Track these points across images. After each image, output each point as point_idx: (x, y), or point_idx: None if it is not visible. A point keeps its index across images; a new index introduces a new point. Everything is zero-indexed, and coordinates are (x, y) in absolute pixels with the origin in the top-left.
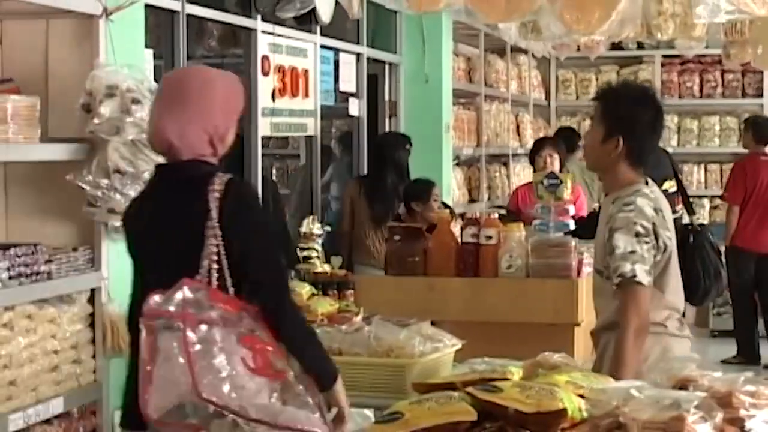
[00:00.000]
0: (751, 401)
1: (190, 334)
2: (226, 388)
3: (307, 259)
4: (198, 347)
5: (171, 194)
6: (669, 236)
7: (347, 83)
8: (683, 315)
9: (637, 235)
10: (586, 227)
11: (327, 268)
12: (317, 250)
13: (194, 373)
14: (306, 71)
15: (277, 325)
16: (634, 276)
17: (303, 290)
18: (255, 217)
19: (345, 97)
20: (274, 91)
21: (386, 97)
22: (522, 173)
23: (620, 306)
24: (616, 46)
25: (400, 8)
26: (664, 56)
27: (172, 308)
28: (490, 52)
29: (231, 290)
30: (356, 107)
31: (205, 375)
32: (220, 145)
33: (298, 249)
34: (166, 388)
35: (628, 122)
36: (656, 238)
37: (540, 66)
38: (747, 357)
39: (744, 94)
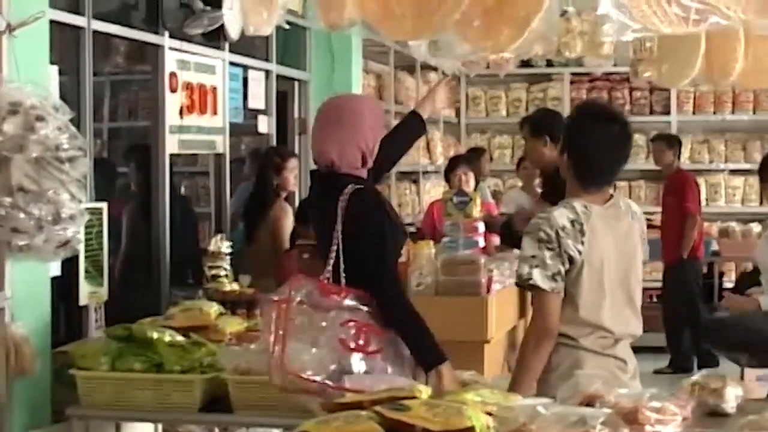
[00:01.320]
0: (656, 417)
1: (294, 318)
2: (314, 364)
3: (215, 277)
4: (295, 325)
5: (323, 202)
6: (581, 250)
7: (256, 100)
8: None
9: (539, 240)
10: None
11: (236, 286)
12: (226, 269)
13: (284, 349)
14: (214, 88)
15: (387, 312)
16: (530, 279)
17: (211, 309)
18: (368, 220)
19: (254, 114)
20: (182, 108)
21: (296, 115)
22: (432, 191)
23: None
24: (525, 63)
25: (312, 25)
26: (573, 74)
27: (276, 297)
28: (400, 69)
29: (343, 282)
30: (265, 124)
31: (298, 354)
32: (370, 158)
33: (206, 268)
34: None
35: (574, 138)
36: (559, 246)
37: (450, 83)
38: (679, 367)
39: (652, 112)
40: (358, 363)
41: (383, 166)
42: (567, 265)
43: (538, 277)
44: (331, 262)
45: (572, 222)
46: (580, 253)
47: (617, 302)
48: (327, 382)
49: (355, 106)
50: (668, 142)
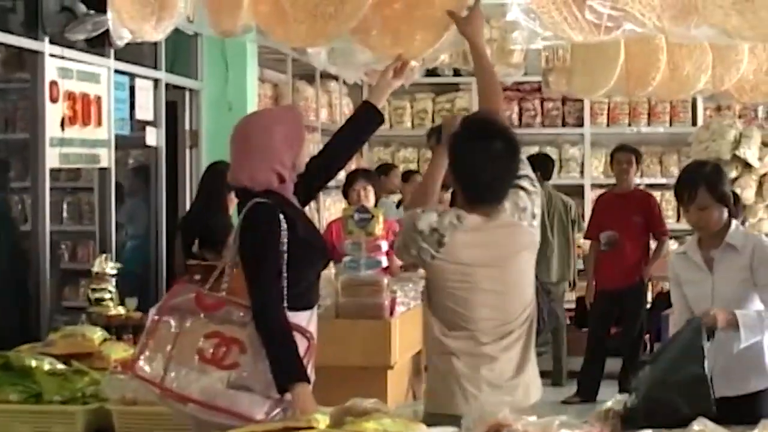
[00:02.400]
0: None
1: (159, 324)
2: (168, 371)
3: (99, 301)
4: (156, 336)
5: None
6: (426, 252)
7: (144, 111)
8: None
9: (400, 230)
10: None
11: (121, 310)
12: (111, 292)
13: (140, 353)
14: (99, 98)
15: (256, 325)
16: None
17: (94, 335)
18: (254, 231)
19: (141, 126)
20: (63, 119)
21: (186, 126)
22: (333, 207)
23: None
24: (431, 72)
25: (203, 31)
26: None
27: (154, 310)
28: (298, 78)
29: (223, 293)
30: (154, 137)
31: (148, 356)
32: (287, 173)
33: (90, 290)
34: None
35: (457, 155)
36: (410, 244)
37: (351, 93)
38: (587, 396)
39: (564, 123)
40: (208, 374)
41: (332, 165)
42: (415, 259)
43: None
44: (216, 273)
45: (432, 230)
46: (432, 257)
47: (489, 309)
48: (163, 385)
49: (265, 123)
50: (636, 154)
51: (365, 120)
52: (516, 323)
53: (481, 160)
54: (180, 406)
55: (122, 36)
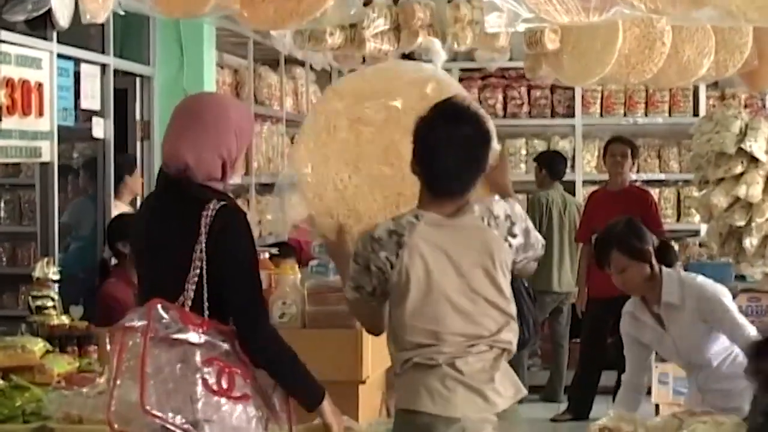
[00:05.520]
0: None
1: (151, 350)
2: (174, 404)
3: (41, 309)
4: (154, 365)
5: (174, 213)
6: (393, 262)
7: (90, 100)
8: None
9: (354, 253)
10: None
11: (65, 319)
12: (53, 299)
13: (144, 388)
14: (40, 85)
15: (253, 349)
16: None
17: (36, 347)
18: (236, 242)
19: (88, 116)
20: (0, 108)
21: (137, 116)
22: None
23: None
24: (407, 57)
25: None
26: (463, 70)
27: (137, 323)
28: (260, 63)
29: (206, 313)
30: (101, 128)
31: (156, 392)
32: (231, 170)
33: (31, 298)
34: (125, 403)
35: (420, 140)
36: (368, 261)
37: (319, 80)
38: (578, 413)
39: (554, 113)
40: (220, 409)
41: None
42: (375, 280)
43: (347, 289)
44: (192, 288)
45: (390, 233)
46: (392, 266)
47: (455, 312)
48: (187, 427)
49: (221, 106)
50: (632, 147)
51: None
52: (488, 341)
53: (445, 144)
54: None
55: (65, 16)
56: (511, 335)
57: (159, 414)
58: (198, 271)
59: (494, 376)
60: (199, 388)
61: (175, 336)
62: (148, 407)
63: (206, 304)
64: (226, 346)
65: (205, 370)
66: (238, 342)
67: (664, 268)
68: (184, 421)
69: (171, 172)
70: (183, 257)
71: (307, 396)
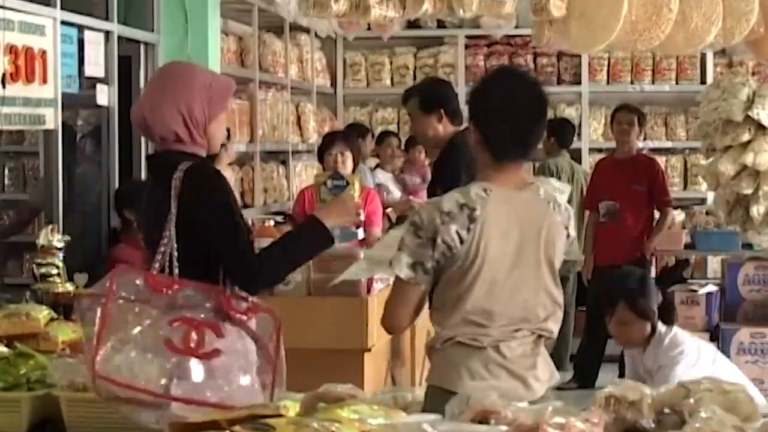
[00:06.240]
0: None
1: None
2: (140, 367)
3: (45, 277)
4: (118, 331)
5: (153, 181)
6: (464, 237)
7: (94, 67)
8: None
9: (412, 224)
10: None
11: (70, 287)
12: (58, 267)
13: (96, 349)
14: (44, 52)
15: (252, 284)
16: (391, 262)
17: (40, 314)
18: (212, 197)
19: (92, 83)
20: (4, 75)
21: (141, 84)
22: (304, 173)
23: None
24: (412, 24)
25: None
26: (468, 37)
27: (97, 290)
28: (265, 30)
29: (176, 273)
30: (105, 95)
31: (124, 358)
32: (197, 132)
33: (35, 265)
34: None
35: (481, 103)
36: (435, 234)
37: (325, 47)
38: (584, 381)
39: (560, 81)
40: (195, 368)
41: None
42: (439, 255)
43: (398, 263)
44: (162, 249)
45: (461, 206)
46: (461, 241)
47: (513, 295)
48: (152, 389)
49: (187, 67)
50: (639, 115)
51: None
52: (533, 327)
53: (512, 104)
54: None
55: None
56: (555, 324)
57: (112, 377)
58: (168, 234)
59: (536, 361)
60: (164, 348)
61: (143, 300)
62: (102, 373)
63: (176, 265)
64: (205, 304)
65: (169, 329)
66: (237, 286)
67: (659, 327)
68: (145, 385)
69: (137, 131)
70: (159, 223)
71: (322, 249)
